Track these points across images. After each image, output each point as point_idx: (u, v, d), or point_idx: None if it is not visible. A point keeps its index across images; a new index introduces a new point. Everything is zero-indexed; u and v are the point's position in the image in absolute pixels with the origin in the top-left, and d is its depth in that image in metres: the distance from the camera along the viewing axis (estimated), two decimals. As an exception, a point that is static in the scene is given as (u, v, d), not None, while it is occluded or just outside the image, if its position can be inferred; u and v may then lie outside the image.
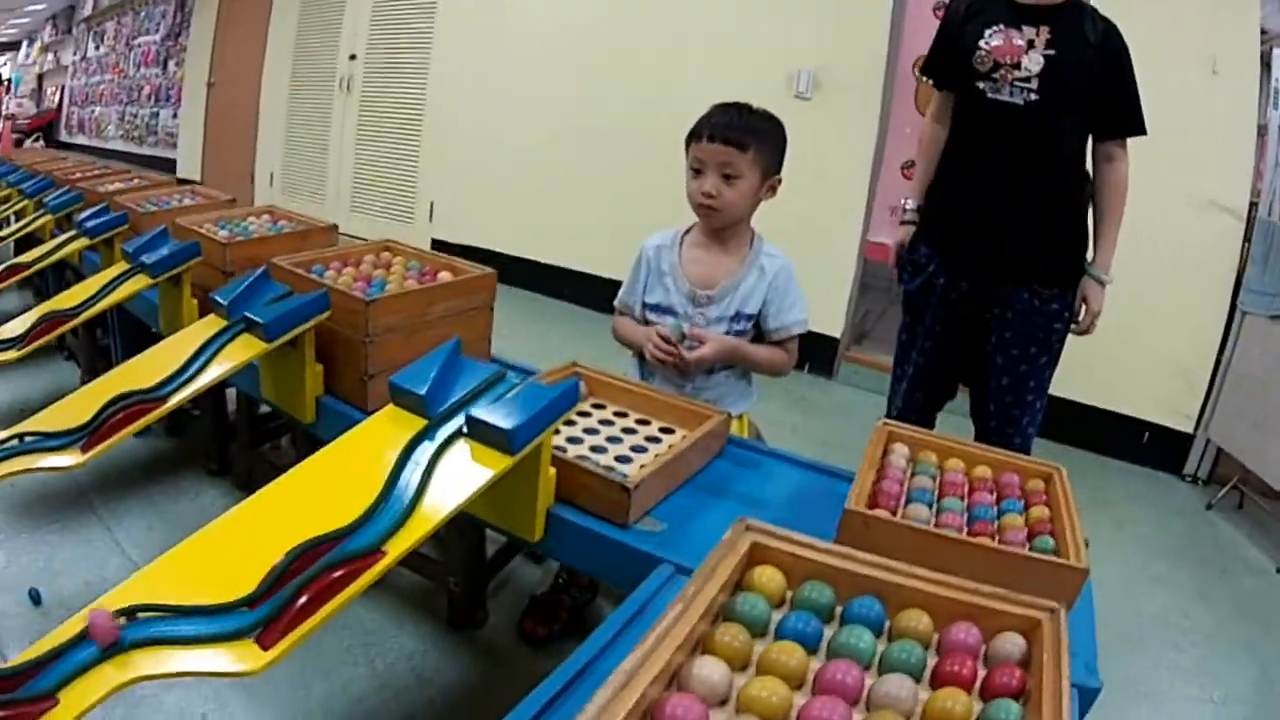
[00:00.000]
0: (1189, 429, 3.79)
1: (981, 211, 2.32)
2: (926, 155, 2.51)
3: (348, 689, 1.93)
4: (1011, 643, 0.94)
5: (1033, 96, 2.19)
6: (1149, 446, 3.86)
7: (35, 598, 2.07)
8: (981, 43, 2.23)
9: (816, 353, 4.52)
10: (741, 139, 1.91)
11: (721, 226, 2.03)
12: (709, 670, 0.86)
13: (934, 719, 0.85)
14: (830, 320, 4.50)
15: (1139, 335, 3.68)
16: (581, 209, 5.36)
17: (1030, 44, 2.19)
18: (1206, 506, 3.52)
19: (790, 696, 0.84)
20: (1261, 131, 3.53)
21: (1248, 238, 3.59)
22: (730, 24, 4.74)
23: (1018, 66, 2.19)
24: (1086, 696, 1.12)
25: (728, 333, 2.02)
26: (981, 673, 0.92)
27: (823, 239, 4.37)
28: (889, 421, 1.60)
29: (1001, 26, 2.23)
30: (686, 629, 0.87)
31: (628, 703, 0.76)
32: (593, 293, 5.01)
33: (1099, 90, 2.21)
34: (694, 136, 1.98)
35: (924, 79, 2.52)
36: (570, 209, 5.42)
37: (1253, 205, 3.58)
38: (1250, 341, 3.52)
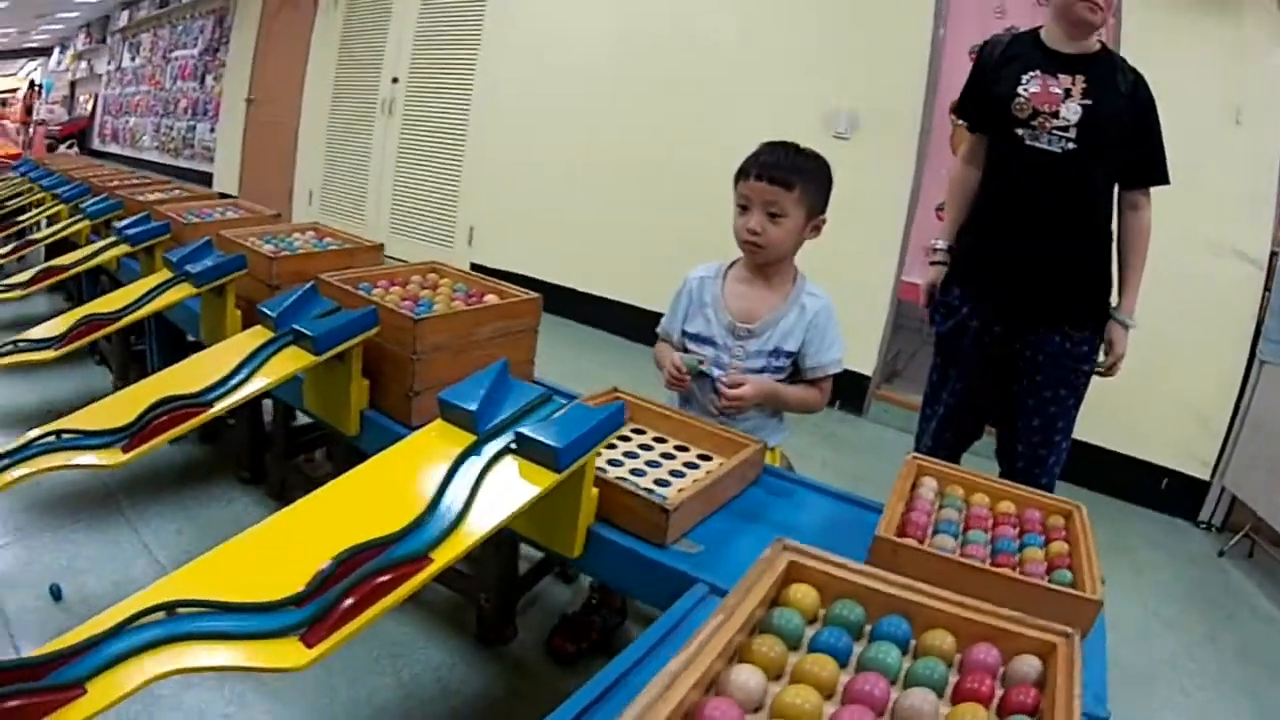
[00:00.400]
0: (1205, 476, 3.79)
1: (1017, 255, 2.35)
2: (957, 196, 2.56)
3: (372, 698, 1.94)
4: (1028, 664, 0.99)
5: (1070, 145, 2.23)
6: (1166, 492, 3.86)
7: (56, 593, 2.09)
8: (1020, 89, 2.27)
9: (848, 390, 4.53)
10: (788, 178, 1.95)
11: (765, 263, 2.07)
12: (746, 677, 0.91)
13: None
14: (862, 358, 4.52)
15: (1159, 381, 3.70)
16: (619, 239, 5.41)
17: (1067, 92, 2.23)
18: (1219, 553, 3.52)
19: (821, 705, 0.89)
20: (1284, 180, 3.57)
21: (1268, 286, 3.61)
22: (771, 62, 4.79)
23: (1056, 115, 2.23)
24: (1094, 725, 1.16)
25: (765, 368, 2.06)
26: (999, 691, 0.97)
27: (858, 278, 4.38)
28: (918, 455, 1.64)
29: (1038, 73, 2.27)
30: (726, 638, 0.92)
31: (670, 704, 0.80)
32: (628, 322, 5.08)
33: (1129, 141, 2.26)
34: (742, 174, 2.01)
35: (958, 121, 2.54)
36: (608, 239, 5.47)
37: (1274, 254, 3.60)
38: (1269, 390, 3.53)
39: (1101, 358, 2.41)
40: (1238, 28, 3.56)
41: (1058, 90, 2.24)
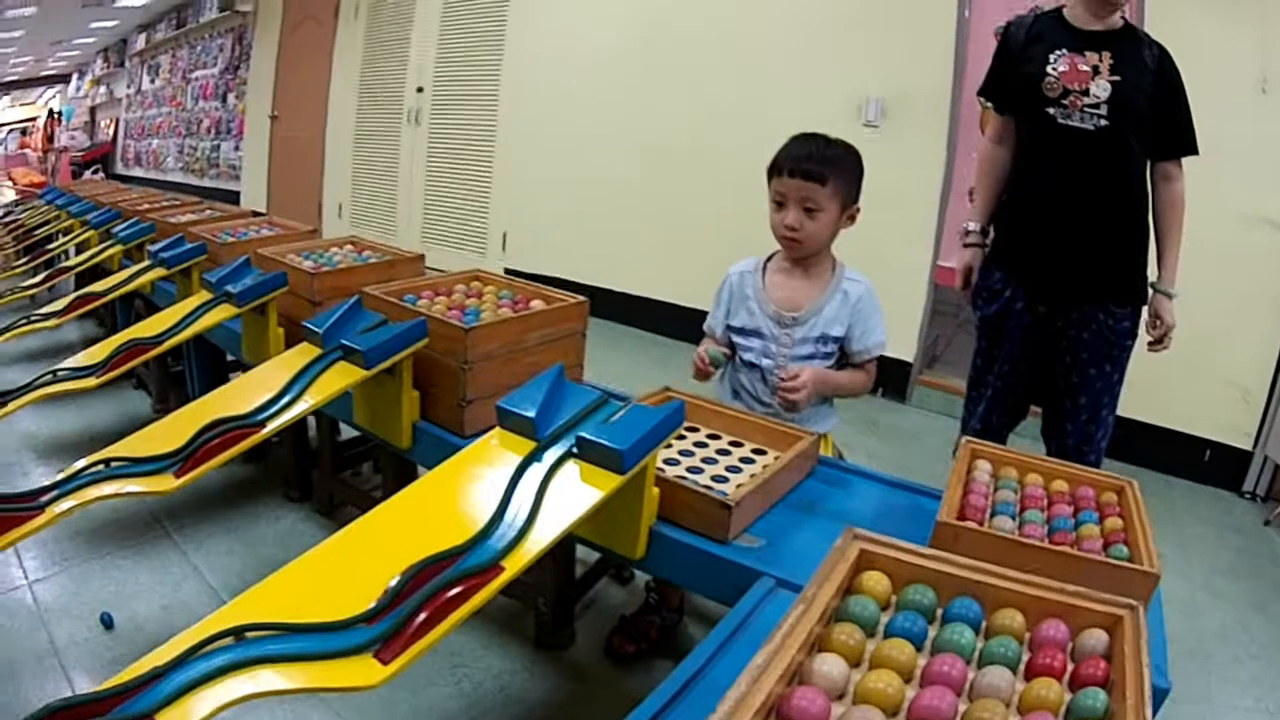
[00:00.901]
0: (1248, 446, 3.78)
1: (1059, 234, 2.36)
2: (987, 177, 2.57)
3: (435, 709, 1.94)
4: (1096, 638, 1.00)
5: (1103, 122, 2.24)
6: (1210, 464, 3.84)
7: (107, 622, 2.10)
8: (1049, 68, 2.28)
9: (890, 377, 4.51)
10: (820, 172, 1.97)
11: (804, 256, 2.09)
12: (829, 666, 0.92)
13: (1030, 706, 0.91)
14: (903, 345, 4.50)
15: (1197, 354, 3.66)
16: (654, 237, 5.42)
17: (1095, 70, 2.25)
18: (1264, 523, 3.51)
19: (903, 688, 0.91)
20: (1313, 150, 3.54)
21: (1304, 254, 3.59)
22: (798, 54, 4.78)
23: (1086, 93, 2.25)
24: (1156, 697, 1.16)
25: (813, 354, 2.08)
26: (1070, 665, 0.99)
27: (894, 265, 4.36)
28: (972, 440, 1.66)
29: (1065, 51, 2.28)
30: (807, 629, 0.93)
31: (760, 696, 0.81)
32: (669, 320, 5.09)
33: (1158, 114, 2.27)
34: (774, 170, 2.04)
35: (985, 103, 2.54)
36: (643, 237, 5.48)
37: (1308, 222, 3.58)
38: (1308, 358, 3.51)
39: (1148, 332, 2.42)
40: (1262, -4, 3.54)
41: (1086, 68, 2.25)
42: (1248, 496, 3.77)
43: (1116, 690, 0.91)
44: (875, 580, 1.09)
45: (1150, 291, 2.42)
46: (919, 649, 0.99)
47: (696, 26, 5.15)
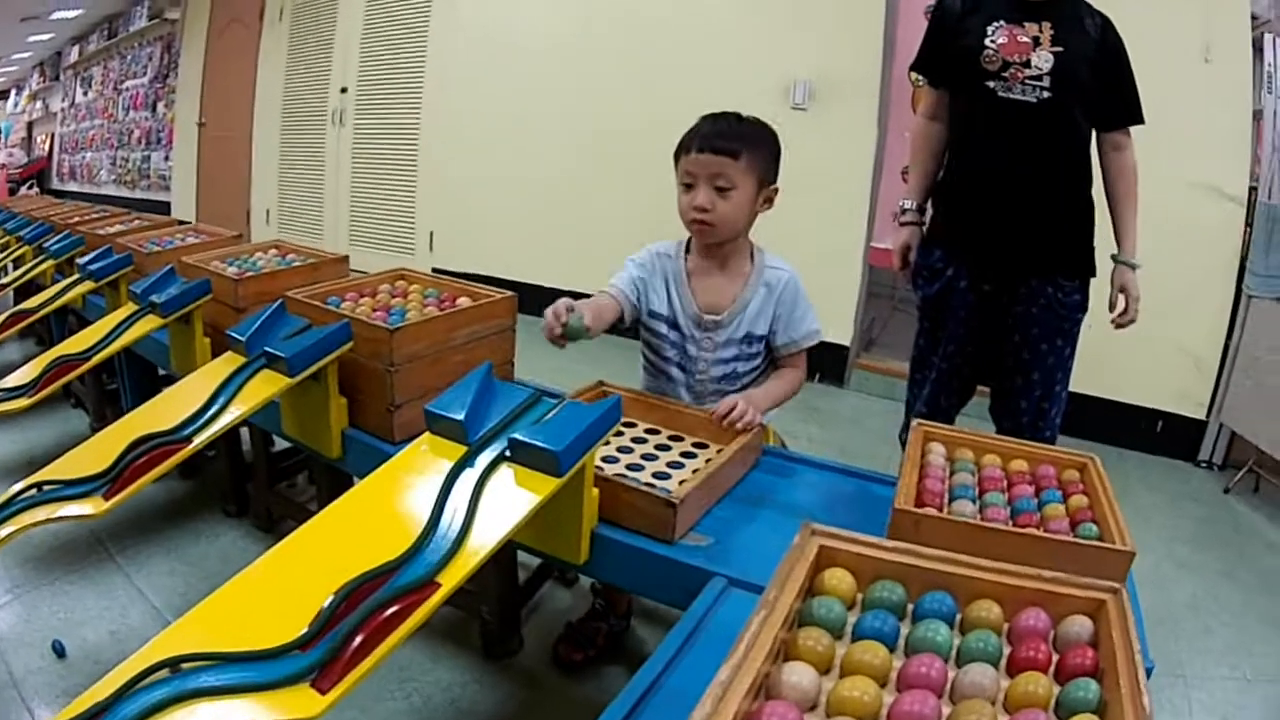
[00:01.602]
0: (1201, 415, 3.81)
1: (1003, 210, 2.30)
2: (922, 153, 2.51)
3: None
4: (1080, 625, 0.96)
5: (1045, 94, 2.19)
6: (1162, 435, 3.87)
7: (59, 651, 2.05)
8: (987, 41, 2.22)
9: (827, 362, 4.52)
10: (732, 146, 1.84)
11: (717, 243, 1.95)
12: (799, 675, 0.85)
13: (1018, 703, 0.86)
14: (839, 329, 4.51)
15: (1146, 325, 3.60)
16: (583, 230, 5.36)
17: (1036, 40, 2.19)
18: (1224, 491, 3.54)
19: (880, 694, 0.85)
20: (1257, 116, 3.55)
21: (1249, 222, 3.61)
22: (724, 38, 4.75)
23: (1027, 65, 2.19)
24: (1143, 678, 1.13)
25: (737, 356, 1.98)
26: (1054, 656, 0.94)
27: (827, 248, 4.37)
28: (923, 422, 1.61)
29: (1003, 23, 2.22)
30: (772, 635, 0.87)
31: (726, 715, 0.76)
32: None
33: (1102, 83, 2.23)
34: (682, 149, 1.91)
35: (917, 78, 2.48)
36: (571, 231, 5.42)
37: (1252, 189, 3.60)
38: (1257, 324, 3.54)
39: (1114, 308, 2.39)
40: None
41: (1026, 39, 2.20)
42: (1204, 465, 3.81)
43: (1108, 678, 0.87)
44: (839, 578, 1.03)
45: (1113, 265, 2.36)
46: (892, 650, 0.94)
47: (623, 15, 5.11)
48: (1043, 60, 2.18)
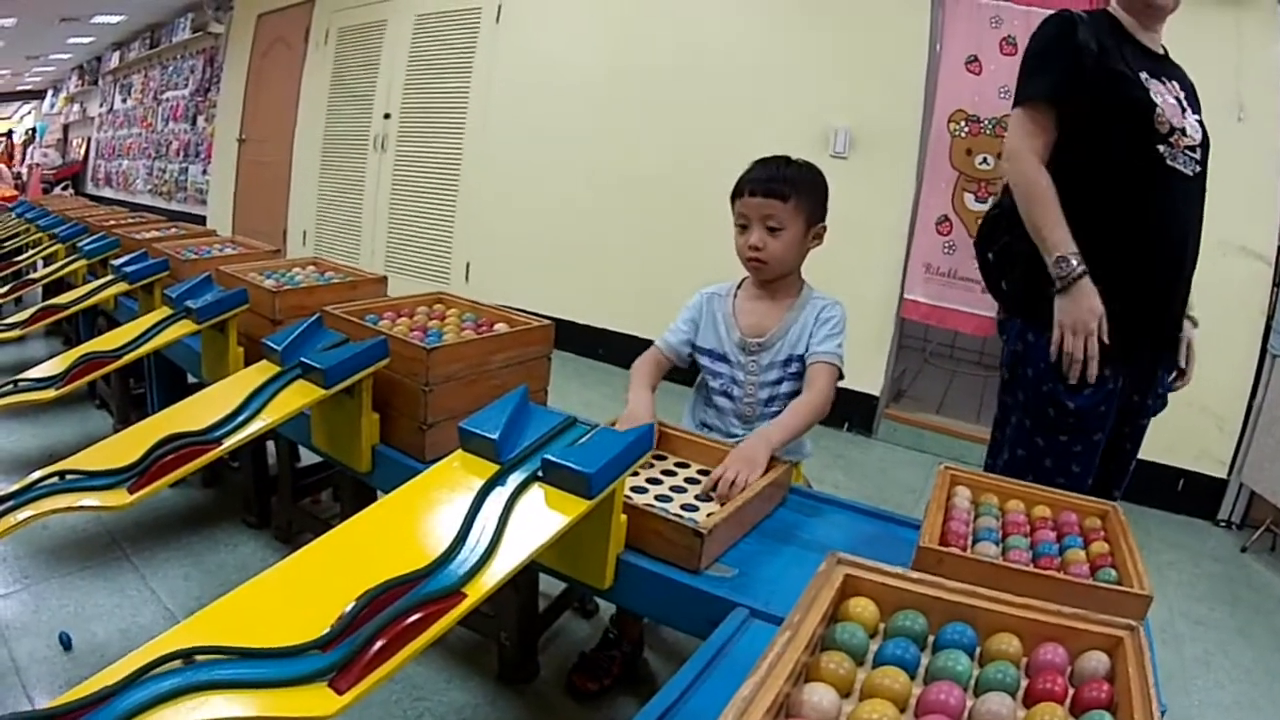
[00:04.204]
0: (1222, 474, 3.78)
1: (1164, 298, 2.00)
2: (1052, 201, 1.90)
3: None
4: (1097, 660, 0.97)
5: (1198, 168, 1.93)
6: (1183, 494, 3.84)
7: (66, 642, 2.05)
8: (1154, 96, 1.87)
9: (857, 410, 4.51)
10: (782, 190, 1.95)
11: (771, 279, 2.06)
12: (819, 696, 0.87)
13: None
14: (870, 378, 4.49)
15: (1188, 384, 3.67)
16: (619, 270, 5.37)
17: (1180, 104, 1.92)
18: (1241, 550, 3.52)
19: (899, 718, 0.86)
20: (1287, 175, 3.54)
21: (1277, 282, 3.60)
22: (766, 83, 4.77)
23: (1184, 133, 1.89)
24: (1158, 718, 1.13)
25: (781, 378, 2.03)
26: (1070, 689, 0.95)
27: (861, 298, 4.33)
28: (950, 465, 1.61)
29: (1148, 75, 1.90)
30: (794, 658, 0.88)
31: None
32: (633, 353, 5.04)
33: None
34: (737, 193, 2.02)
35: (1041, 104, 1.92)
36: (608, 270, 5.43)
37: (1280, 249, 3.59)
38: (1282, 385, 3.51)
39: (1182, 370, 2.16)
40: (1237, 22, 3.55)
41: (1173, 100, 1.90)
42: (1223, 525, 3.77)
43: (1122, 713, 0.88)
44: (862, 606, 1.05)
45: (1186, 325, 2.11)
46: (912, 677, 0.95)
47: (665, 59, 5.13)
48: (1194, 130, 1.92)
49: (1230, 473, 3.76)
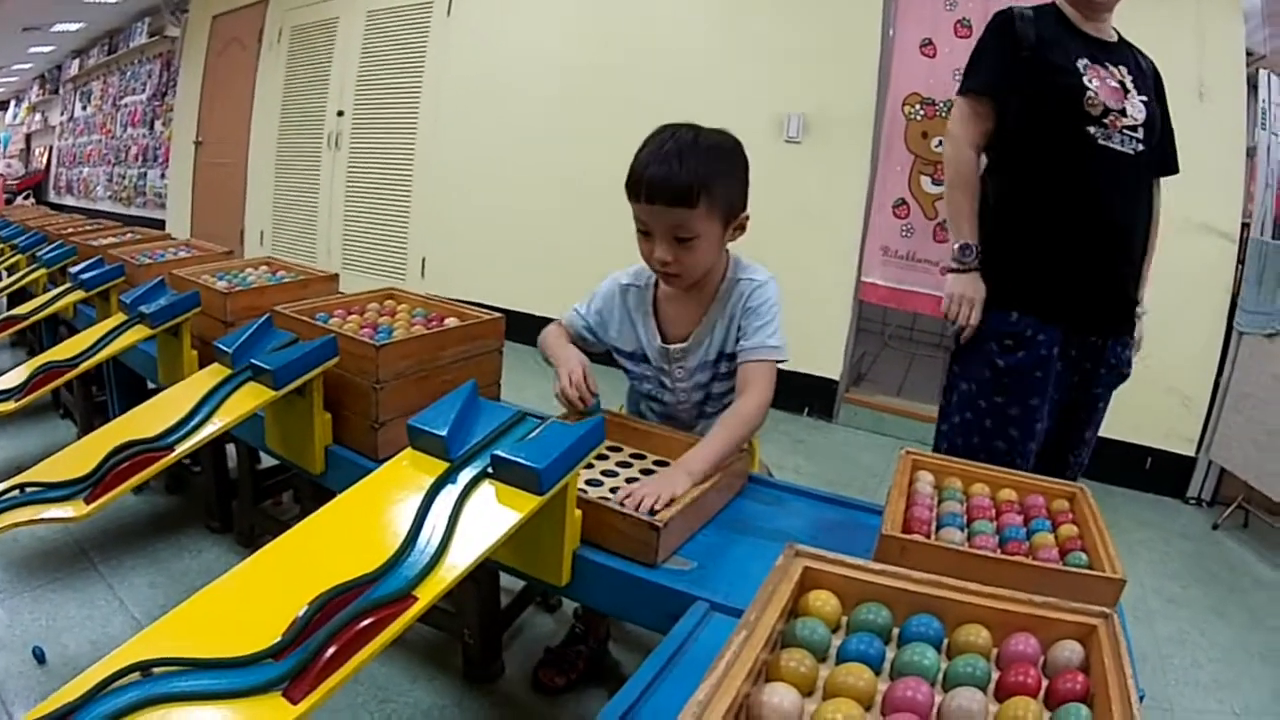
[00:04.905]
0: (1190, 452, 3.81)
1: (1098, 269, 2.10)
2: (972, 188, 2.18)
3: None
4: (1070, 650, 0.95)
5: (1140, 146, 2.04)
6: (1151, 472, 3.86)
7: (39, 656, 2.03)
8: (1087, 81, 2.01)
9: (816, 396, 4.51)
10: (688, 196, 1.62)
11: (688, 286, 1.80)
12: (780, 697, 0.85)
13: None
14: (829, 363, 4.50)
15: (1138, 362, 3.68)
16: (574, 260, 5.29)
17: (1123, 87, 2.04)
18: (1213, 527, 3.53)
19: (864, 717, 0.84)
20: (1250, 153, 3.57)
21: (1241, 259, 3.62)
22: (717, 70, 4.75)
23: (1123, 113, 2.02)
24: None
25: (713, 378, 1.85)
26: (1044, 681, 0.93)
27: (818, 282, 4.36)
28: (912, 450, 1.59)
29: (1088, 62, 2.04)
30: (752, 656, 0.86)
31: None
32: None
33: (1164, 132, 2.16)
34: (631, 194, 1.70)
35: (978, 96, 2.14)
36: (563, 261, 5.39)
37: (1244, 226, 3.61)
38: (1248, 361, 3.54)
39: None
40: (1197, 2, 3.56)
41: (1114, 84, 2.03)
42: (1193, 502, 3.80)
43: (1099, 704, 0.87)
44: (823, 600, 1.03)
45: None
46: (877, 673, 0.93)
47: (616, 49, 5.12)
48: (1136, 110, 2.04)
49: (1199, 450, 3.79)
